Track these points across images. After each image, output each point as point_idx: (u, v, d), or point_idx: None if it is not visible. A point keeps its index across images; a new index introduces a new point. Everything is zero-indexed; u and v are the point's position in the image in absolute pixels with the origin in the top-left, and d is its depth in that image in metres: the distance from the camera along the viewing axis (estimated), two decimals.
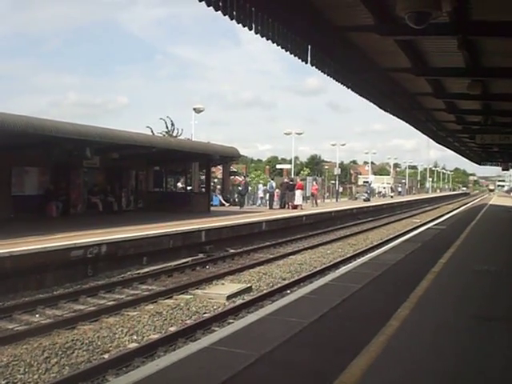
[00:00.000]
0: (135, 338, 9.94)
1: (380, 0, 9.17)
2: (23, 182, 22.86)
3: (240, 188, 34.64)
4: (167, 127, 45.35)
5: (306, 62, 11.14)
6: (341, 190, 63.75)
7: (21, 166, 22.47)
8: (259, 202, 40.80)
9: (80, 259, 14.90)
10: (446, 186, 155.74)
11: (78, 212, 25.00)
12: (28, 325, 10.77)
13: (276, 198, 38.28)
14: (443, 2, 7.23)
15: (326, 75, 12.45)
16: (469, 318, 7.92)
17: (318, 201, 44.79)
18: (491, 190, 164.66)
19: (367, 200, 55.62)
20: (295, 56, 10.67)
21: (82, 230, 17.46)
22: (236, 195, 38.30)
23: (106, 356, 8.94)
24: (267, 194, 39.74)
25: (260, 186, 42.95)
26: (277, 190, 38.90)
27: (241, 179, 38.36)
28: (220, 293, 13.19)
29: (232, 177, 42.49)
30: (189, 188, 34.08)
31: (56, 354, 8.80)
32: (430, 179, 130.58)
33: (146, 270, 16.31)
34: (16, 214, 20.98)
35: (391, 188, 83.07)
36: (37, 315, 11.57)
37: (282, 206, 36.30)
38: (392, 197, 73.88)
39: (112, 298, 13.16)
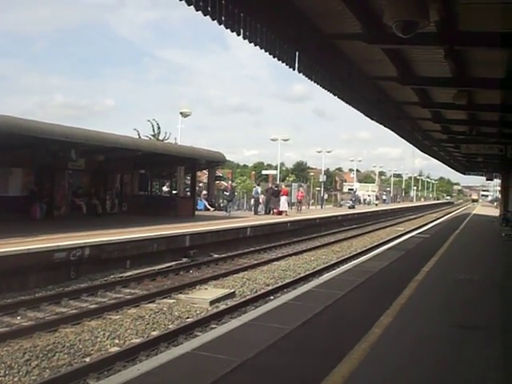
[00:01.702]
0: (117, 341, 9.88)
1: (368, 8, 9.22)
2: (7, 182, 22.66)
3: (227, 193, 34.49)
4: (154, 130, 45.24)
5: (294, 69, 11.17)
6: (326, 196, 63.95)
7: (5, 166, 22.29)
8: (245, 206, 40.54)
9: (63, 261, 14.80)
10: (431, 195, 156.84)
11: (62, 214, 24.81)
12: (9, 327, 10.68)
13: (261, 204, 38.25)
14: (431, 11, 7.28)
15: (313, 82, 12.49)
16: (450, 326, 7.96)
17: (303, 207, 44.88)
18: (474, 201, 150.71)
19: (352, 207, 55.85)
20: (283, 62, 10.70)
21: (65, 232, 17.33)
22: (221, 200, 38.21)
23: (88, 359, 8.89)
24: (252, 200, 39.69)
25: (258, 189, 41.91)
26: (262, 196, 38.84)
27: (227, 184, 38.29)
28: (203, 298, 13.15)
29: (217, 181, 42.40)
30: (174, 192, 33.99)
31: (37, 357, 8.72)
32: (415, 188, 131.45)
33: (130, 273, 16.25)
34: None
35: (376, 196, 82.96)
36: (18, 317, 11.47)
37: (267, 212, 36.32)
38: (376, 205, 73.90)
39: (94, 301, 13.08)
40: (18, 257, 13.48)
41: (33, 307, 12.17)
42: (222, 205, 36.14)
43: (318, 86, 13.02)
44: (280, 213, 35.62)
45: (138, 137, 40.60)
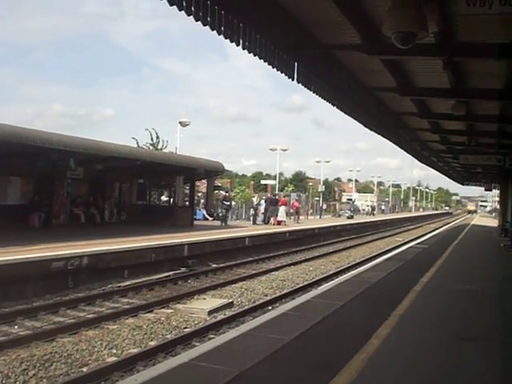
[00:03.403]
0: (114, 351, 9.84)
1: (367, 20, 9.27)
2: (6, 191, 22.65)
3: (227, 203, 34.40)
4: (152, 139, 45.26)
5: (293, 79, 11.22)
6: (325, 206, 63.89)
7: (4, 175, 22.27)
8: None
9: (61, 271, 14.76)
10: (429, 206, 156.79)
11: (60, 223, 24.76)
12: (6, 336, 10.62)
13: (260, 214, 38.24)
14: (429, 22, 7.31)
15: (311, 92, 12.54)
16: (449, 337, 7.94)
17: (302, 217, 44.82)
18: (471, 212, 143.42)
19: (351, 217, 55.82)
20: (282, 73, 10.76)
21: (63, 241, 17.30)
22: (220, 210, 38.18)
23: (85, 369, 8.83)
24: (251, 210, 39.69)
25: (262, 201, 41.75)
26: (261, 206, 38.83)
27: (225, 193, 38.27)
28: (201, 308, 13.11)
29: (216, 191, 42.41)
30: (171, 200, 33.95)
31: (34, 366, 8.68)
32: (413, 198, 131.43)
33: (127, 283, 16.19)
34: None
35: (371, 206, 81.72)
36: (16, 326, 11.41)
37: (266, 222, 36.29)
38: (373, 215, 73.44)
39: (92, 311, 13.03)
40: (16, 266, 13.43)
41: (30, 316, 12.11)
42: (220, 214, 36.06)
43: (317, 96, 13.09)
44: (279, 223, 35.59)
45: (136, 146, 40.68)
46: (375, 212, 78.56)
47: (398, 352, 7.10)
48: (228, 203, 34.56)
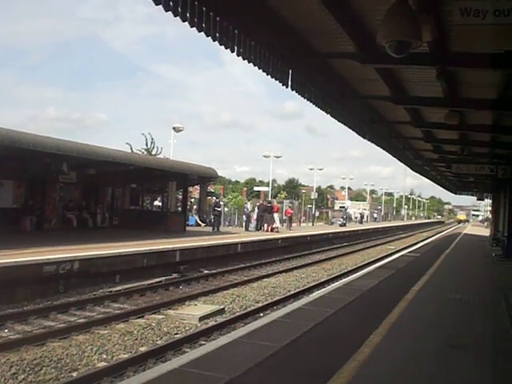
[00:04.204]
0: (105, 356, 9.80)
1: (362, 29, 9.30)
2: None
3: (218, 209, 34.30)
4: (147, 144, 45.23)
5: (287, 87, 11.24)
6: (317, 214, 63.98)
7: None
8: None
9: (52, 275, 14.71)
10: (422, 214, 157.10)
11: (53, 227, 24.72)
12: None
13: (252, 220, 38.22)
14: (423, 32, 7.34)
15: (305, 100, 12.56)
16: (440, 345, 7.95)
17: (294, 224, 44.83)
18: (461, 221, 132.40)
19: (343, 225, 55.86)
20: (276, 80, 10.78)
21: (55, 245, 17.24)
22: (212, 216, 38.14)
23: (75, 374, 8.80)
24: (243, 216, 39.68)
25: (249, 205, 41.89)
26: (254, 212, 38.84)
27: (217, 199, 38.22)
28: (192, 314, 13.08)
29: (209, 197, 42.39)
30: (163, 206, 33.90)
31: (24, 371, 8.65)
32: (406, 206, 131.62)
33: (119, 288, 16.14)
34: None
35: (361, 214, 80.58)
36: (6, 330, 11.37)
37: (258, 229, 36.27)
38: (362, 223, 72.89)
39: (83, 316, 12.99)
40: (7, 269, 13.38)
41: (21, 320, 12.07)
42: (212, 220, 35.98)
43: (311, 103, 13.11)
44: (272, 229, 35.58)
45: (130, 151, 40.62)
46: (364, 220, 78.25)
47: (389, 360, 7.10)
48: (219, 209, 34.48)
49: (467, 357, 7.54)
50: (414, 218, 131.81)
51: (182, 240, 23.24)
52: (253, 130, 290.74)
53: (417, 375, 6.52)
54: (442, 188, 54.16)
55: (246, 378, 6.01)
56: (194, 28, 7.76)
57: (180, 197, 35.25)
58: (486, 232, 53.56)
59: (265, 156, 53.83)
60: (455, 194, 58.45)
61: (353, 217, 78.45)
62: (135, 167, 25.39)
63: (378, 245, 42.41)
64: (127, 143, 44.86)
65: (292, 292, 17.21)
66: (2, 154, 19.19)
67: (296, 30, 9.84)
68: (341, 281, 16.61)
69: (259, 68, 9.96)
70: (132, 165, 25.02)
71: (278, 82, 10.88)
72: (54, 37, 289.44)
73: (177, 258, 20.30)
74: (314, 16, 8.95)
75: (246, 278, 19.85)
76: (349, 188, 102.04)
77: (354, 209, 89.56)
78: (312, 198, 64.51)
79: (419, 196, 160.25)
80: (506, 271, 19.38)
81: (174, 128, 39.84)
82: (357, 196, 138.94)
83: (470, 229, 76.14)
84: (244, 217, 39.59)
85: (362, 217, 77.87)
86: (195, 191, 43.64)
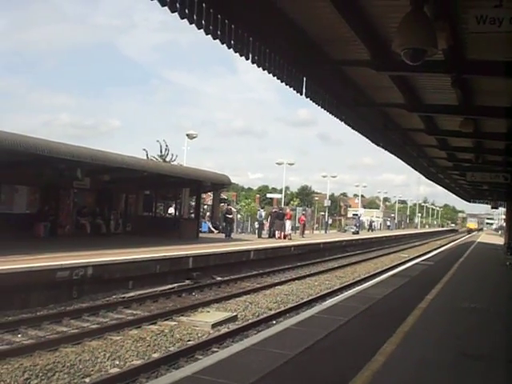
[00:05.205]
0: (117, 362, 9.80)
1: (377, 36, 9.30)
2: (12, 199, 22.73)
3: (230, 216, 34.30)
4: (161, 151, 45.40)
5: (301, 94, 11.25)
6: (330, 221, 63.85)
7: (10, 183, 22.36)
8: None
9: (65, 280, 14.75)
10: (435, 222, 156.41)
11: (66, 233, 24.83)
12: (10, 344, 10.62)
13: (265, 227, 38.22)
14: (439, 40, 7.33)
15: (319, 107, 12.57)
16: (454, 355, 7.88)
17: (307, 231, 44.76)
18: (472, 231, 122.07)
19: (356, 233, 55.69)
20: (290, 87, 10.79)
21: (68, 251, 17.30)
22: (224, 223, 38.19)
23: (87, 380, 8.80)
24: (256, 223, 39.66)
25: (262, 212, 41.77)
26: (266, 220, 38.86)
27: (229, 206, 38.23)
28: (205, 320, 13.07)
29: (222, 204, 42.47)
30: (176, 212, 33.95)
31: (36, 376, 8.66)
32: (420, 214, 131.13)
33: (132, 294, 16.16)
34: (2, 231, 20.77)
35: (370, 222, 79.66)
36: (19, 335, 11.41)
37: (271, 236, 36.22)
38: (372, 231, 72.44)
39: (96, 322, 13.01)
40: (21, 274, 13.44)
41: (34, 325, 12.11)
42: (225, 227, 35.95)
43: (325, 111, 13.11)
44: (284, 236, 35.53)
45: (146, 157, 40.81)
46: (374, 227, 77.72)
47: (403, 369, 7.05)
48: (230, 216, 34.48)
49: (482, 367, 7.46)
50: (427, 226, 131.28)
51: (195, 246, 23.26)
52: (266, 137, 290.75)
53: None
54: (456, 196, 53.94)
55: None
56: (210, 36, 7.78)
57: (193, 203, 35.32)
58: (500, 240, 53.20)
59: (278, 163, 53.93)
60: (469, 202, 58.20)
61: (366, 225, 78.10)
62: (148, 174, 25.46)
63: (391, 253, 42.20)
64: (144, 149, 45.14)
65: (305, 300, 17.15)
66: (16, 159, 19.35)
67: (310, 37, 9.86)
68: (354, 289, 16.53)
69: (274, 75, 9.98)
70: (145, 171, 25.10)
71: (292, 89, 10.90)
72: (68, 43, 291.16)
73: (190, 265, 20.30)
74: (329, 23, 8.98)
75: (258, 285, 19.81)
76: (362, 195, 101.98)
77: (368, 216, 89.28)
78: (325, 205, 64.41)
79: (433, 204, 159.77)
80: None
81: (187, 135, 39.95)
82: (370, 203, 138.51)
83: (484, 237, 75.65)
84: (256, 224, 39.55)
85: (370, 224, 77.56)
86: (208, 198, 43.72)
